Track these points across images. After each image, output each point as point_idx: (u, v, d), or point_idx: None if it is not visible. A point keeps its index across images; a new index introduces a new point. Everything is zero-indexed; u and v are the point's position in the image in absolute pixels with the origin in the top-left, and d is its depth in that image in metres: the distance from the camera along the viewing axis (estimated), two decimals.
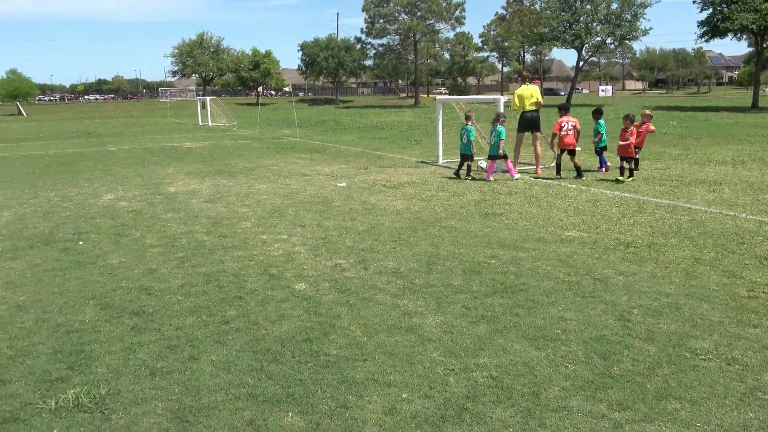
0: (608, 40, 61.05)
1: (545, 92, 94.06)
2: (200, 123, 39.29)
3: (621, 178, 11.59)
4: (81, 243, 7.81)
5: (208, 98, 41.71)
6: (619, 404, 3.62)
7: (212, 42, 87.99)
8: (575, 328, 4.73)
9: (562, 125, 12.37)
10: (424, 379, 3.99)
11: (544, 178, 12.46)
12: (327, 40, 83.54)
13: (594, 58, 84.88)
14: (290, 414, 3.61)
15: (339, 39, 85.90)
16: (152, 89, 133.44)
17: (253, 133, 28.81)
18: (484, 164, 13.38)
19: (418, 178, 12.95)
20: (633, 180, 11.67)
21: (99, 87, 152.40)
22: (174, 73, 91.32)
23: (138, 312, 5.31)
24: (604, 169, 13.20)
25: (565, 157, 12.59)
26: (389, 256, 6.84)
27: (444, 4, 71.57)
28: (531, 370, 4.07)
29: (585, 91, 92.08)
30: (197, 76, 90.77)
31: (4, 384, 4.04)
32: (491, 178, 12.34)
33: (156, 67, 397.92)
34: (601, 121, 13.67)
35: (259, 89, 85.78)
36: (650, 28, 68.19)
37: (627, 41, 61.72)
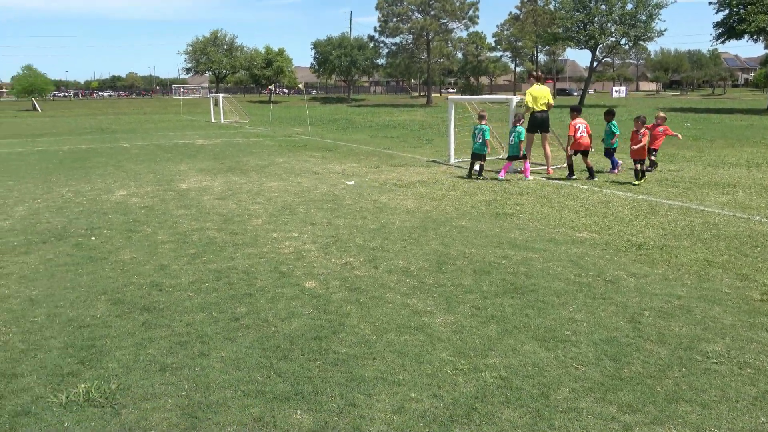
0: (623, 41, 60.67)
1: (558, 93, 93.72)
2: (213, 120, 39.44)
3: (636, 182, 11.49)
4: (93, 238, 7.87)
5: (220, 96, 41.82)
6: (629, 406, 3.60)
7: (226, 40, 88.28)
8: (585, 330, 4.71)
9: (577, 127, 12.30)
10: (432, 378, 3.99)
11: (555, 179, 12.40)
12: (340, 39, 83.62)
13: (608, 59, 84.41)
14: (299, 411, 3.62)
15: (352, 37, 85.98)
16: (166, 86, 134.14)
17: (265, 131, 28.89)
18: (476, 166, 13.34)
19: (430, 177, 12.94)
20: (644, 181, 11.59)
21: (113, 83, 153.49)
22: (187, 71, 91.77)
23: (149, 308, 5.34)
24: (616, 170, 13.13)
25: (577, 158, 12.53)
26: (399, 255, 6.84)
27: (458, 4, 71.39)
28: (540, 371, 4.05)
29: (590, 92, 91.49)
30: (210, 73, 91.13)
31: (16, 378, 4.07)
32: (503, 177, 12.32)
33: (170, 64, 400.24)
34: (614, 122, 13.60)
35: (272, 87, 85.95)
36: (665, 29, 67.61)
37: (642, 42, 61.29)
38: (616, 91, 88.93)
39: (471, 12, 73.01)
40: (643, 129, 11.73)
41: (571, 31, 60.04)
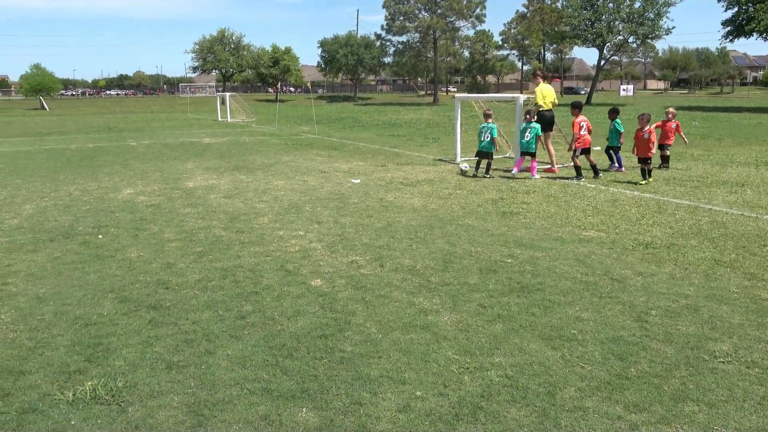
0: (630, 39, 60.43)
1: (565, 91, 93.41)
2: (219, 119, 39.52)
3: (643, 181, 11.42)
4: (100, 236, 7.90)
5: (227, 94, 41.90)
6: (635, 406, 3.59)
7: (233, 38, 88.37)
8: (592, 329, 4.69)
9: (582, 125, 12.26)
10: (438, 377, 3.98)
11: (561, 178, 12.36)
12: (347, 37, 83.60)
13: (615, 57, 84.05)
14: (304, 410, 3.62)
15: (359, 36, 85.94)
16: (173, 85, 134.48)
17: (272, 130, 28.93)
18: (465, 167, 13.37)
19: (436, 176, 12.92)
20: (652, 180, 11.51)
21: (120, 82, 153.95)
22: (194, 69, 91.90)
23: (155, 306, 5.36)
24: (623, 169, 13.09)
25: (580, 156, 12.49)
26: (405, 254, 6.83)
27: (465, 2, 71.24)
28: (546, 370, 4.04)
29: (583, 91, 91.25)
30: (217, 72, 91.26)
31: (23, 375, 4.09)
32: (516, 172, 12.37)
33: (177, 63, 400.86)
34: (618, 121, 13.58)
35: (278, 85, 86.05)
36: (673, 27, 67.08)
37: (649, 40, 61.02)
38: (624, 90, 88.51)
39: (478, 10, 72.86)
40: (648, 127, 11.65)
41: (579, 29, 59.86)
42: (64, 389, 3.88)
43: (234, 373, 4.08)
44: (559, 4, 73.89)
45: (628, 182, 11.63)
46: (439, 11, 71.37)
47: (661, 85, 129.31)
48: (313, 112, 40.64)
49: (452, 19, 73.08)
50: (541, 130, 13.26)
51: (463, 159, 14.99)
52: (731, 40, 49.18)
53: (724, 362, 4.12)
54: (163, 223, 8.66)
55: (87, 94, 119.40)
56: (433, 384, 3.89)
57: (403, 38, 76.18)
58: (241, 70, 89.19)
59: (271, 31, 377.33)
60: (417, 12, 72.53)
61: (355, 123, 33.53)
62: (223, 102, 41.11)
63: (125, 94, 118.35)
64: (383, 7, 73.95)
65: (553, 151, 13.31)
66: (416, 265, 6.39)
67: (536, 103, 13.36)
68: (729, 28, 48.06)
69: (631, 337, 4.54)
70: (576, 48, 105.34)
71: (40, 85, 75.58)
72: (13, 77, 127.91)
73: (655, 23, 56.79)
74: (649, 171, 11.58)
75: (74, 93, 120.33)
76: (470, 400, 3.69)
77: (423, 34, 73.27)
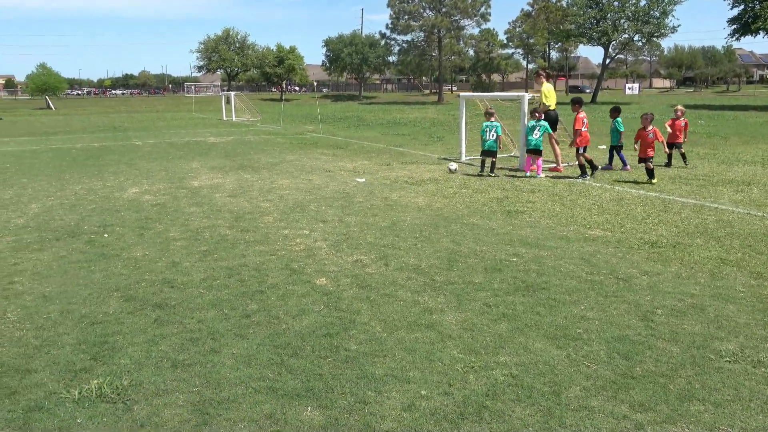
0: (636, 38, 60.24)
1: (570, 89, 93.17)
2: (224, 118, 39.57)
3: (654, 181, 11.33)
4: (106, 235, 7.92)
5: (232, 93, 41.94)
6: (641, 405, 3.58)
7: (237, 38, 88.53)
8: (597, 328, 4.68)
9: (585, 121, 12.24)
10: (443, 376, 3.98)
11: (567, 177, 12.33)
12: (351, 36, 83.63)
13: (621, 56, 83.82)
14: (309, 408, 3.63)
15: (363, 35, 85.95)
16: (178, 84, 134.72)
17: (277, 129, 28.95)
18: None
19: (441, 174, 12.91)
20: (657, 179, 11.46)
21: (126, 82, 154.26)
22: (199, 69, 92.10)
23: (161, 304, 5.37)
24: (629, 167, 13.08)
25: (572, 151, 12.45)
26: (410, 253, 6.83)
27: (469, 1, 71.11)
28: (552, 369, 4.03)
29: (588, 90, 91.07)
30: (222, 71, 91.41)
31: (29, 373, 4.11)
32: (541, 174, 12.37)
33: (182, 63, 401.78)
34: (619, 120, 13.56)
35: (283, 85, 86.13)
36: (679, 26, 66.68)
37: (655, 39, 60.81)
38: (629, 88, 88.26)
39: (483, 9, 72.72)
40: (652, 127, 11.57)
41: (584, 28, 59.70)
42: (70, 387, 3.89)
43: (239, 371, 4.09)
44: (564, 3, 73.67)
45: (633, 181, 11.59)
46: (443, 10, 71.28)
47: (667, 83, 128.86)
48: (318, 111, 40.66)
49: (457, 18, 72.96)
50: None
51: (468, 158, 14.98)
52: (737, 39, 48.95)
53: (730, 362, 4.10)
54: (169, 222, 8.68)
55: (92, 94, 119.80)
56: (438, 383, 3.89)
57: (408, 37, 76.17)
58: (246, 69, 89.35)
59: (275, 30, 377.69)
60: (422, 11, 72.46)
61: (359, 122, 33.53)
62: (228, 101, 41.16)
63: (130, 94, 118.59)
64: (388, 6, 73.91)
65: (558, 150, 13.29)
66: (421, 264, 6.39)
67: (543, 103, 13.35)
68: (735, 26, 47.82)
69: (637, 336, 4.53)
70: (581, 46, 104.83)
71: (46, 85, 75.89)
72: (20, 77, 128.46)
73: (661, 21, 56.58)
74: (652, 170, 11.48)
75: (80, 92, 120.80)
76: (475, 399, 3.68)
77: (427, 33, 73.19)
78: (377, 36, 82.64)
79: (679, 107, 14.03)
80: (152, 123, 36.86)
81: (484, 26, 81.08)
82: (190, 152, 18.54)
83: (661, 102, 54.88)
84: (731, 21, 48.03)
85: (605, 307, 5.12)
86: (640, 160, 11.58)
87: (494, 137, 12.55)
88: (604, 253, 6.68)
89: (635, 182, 11.42)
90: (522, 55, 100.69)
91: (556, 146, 13.30)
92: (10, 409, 3.66)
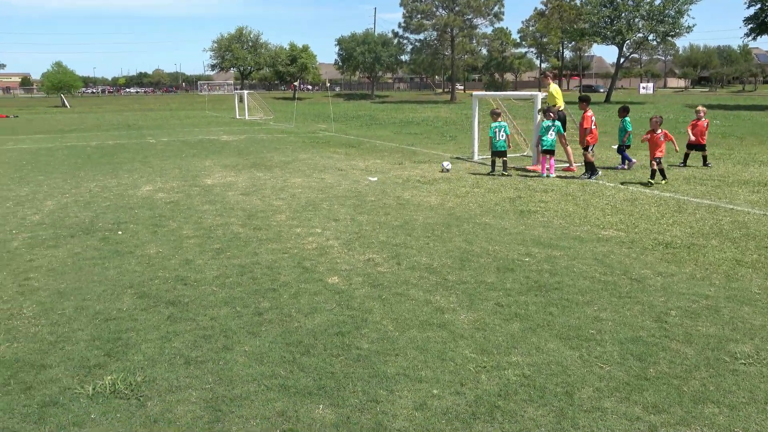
0: (650, 37, 59.77)
1: (584, 89, 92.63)
2: (237, 116, 39.72)
3: (664, 181, 11.22)
4: (120, 233, 7.97)
5: (245, 92, 42.11)
6: (654, 407, 3.56)
7: (250, 36, 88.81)
8: (610, 329, 4.66)
9: (593, 119, 12.16)
10: (455, 375, 3.97)
11: (579, 177, 12.25)
12: (364, 35, 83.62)
13: (635, 55, 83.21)
14: (321, 406, 3.63)
15: (376, 34, 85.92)
16: (191, 83, 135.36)
17: (289, 127, 29.02)
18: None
19: (453, 174, 12.89)
20: (662, 180, 11.26)
21: (140, 80, 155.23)
22: (213, 67, 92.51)
23: (174, 301, 5.40)
24: (626, 166, 13.04)
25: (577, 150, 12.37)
26: (422, 252, 6.82)
27: (482, 0, 70.91)
28: (564, 370, 4.02)
29: (602, 89, 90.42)
30: (235, 70, 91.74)
31: (44, 369, 4.15)
32: (553, 174, 12.29)
33: (196, 61, 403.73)
34: (627, 119, 13.49)
35: (296, 84, 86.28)
36: (694, 25, 65.72)
37: (670, 38, 60.29)
38: (644, 88, 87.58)
39: (496, 8, 72.46)
40: (661, 130, 11.35)
41: (598, 27, 59.26)
42: (84, 383, 3.93)
43: (251, 369, 4.11)
44: (578, 1, 73.20)
45: (647, 182, 11.50)
46: (456, 9, 71.09)
47: (682, 83, 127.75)
48: (331, 109, 40.71)
49: (470, 17, 72.75)
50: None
51: (480, 157, 14.94)
52: (754, 38, 48.47)
53: (745, 364, 4.07)
54: (182, 219, 8.72)
55: (107, 92, 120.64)
56: (450, 382, 3.89)
57: (421, 36, 76.02)
58: (259, 68, 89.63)
59: (288, 29, 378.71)
60: (434, 10, 72.30)
61: (372, 121, 33.53)
62: (241, 100, 41.30)
63: (144, 92, 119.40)
64: (401, 5, 73.81)
65: (570, 150, 13.24)
66: (433, 264, 6.38)
67: (553, 104, 13.29)
68: (751, 26, 47.33)
69: (651, 337, 4.50)
70: (595, 45, 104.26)
71: (61, 83, 76.52)
72: (35, 75, 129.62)
73: (676, 21, 56.06)
74: (661, 171, 11.31)
75: (94, 91, 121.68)
76: (487, 399, 3.67)
77: (440, 32, 73.03)
78: (390, 35, 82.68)
79: (701, 108, 13.89)
80: (166, 121, 37.07)
81: (497, 25, 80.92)
82: (203, 150, 18.63)
83: (675, 102, 54.45)
84: (747, 20, 47.54)
85: (618, 307, 5.09)
86: (654, 161, 11.43)
87: (504, 137, 12.58)
88: (618, 254, 6.65)
89: (646, 183, 11.31)
90: (535, 54, 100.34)
91: (567, 146, 13.25)
92: (26, 404, 3.69)
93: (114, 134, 26.46)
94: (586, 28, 62.10)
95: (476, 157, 15.14)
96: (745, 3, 47.09)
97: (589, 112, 12.28)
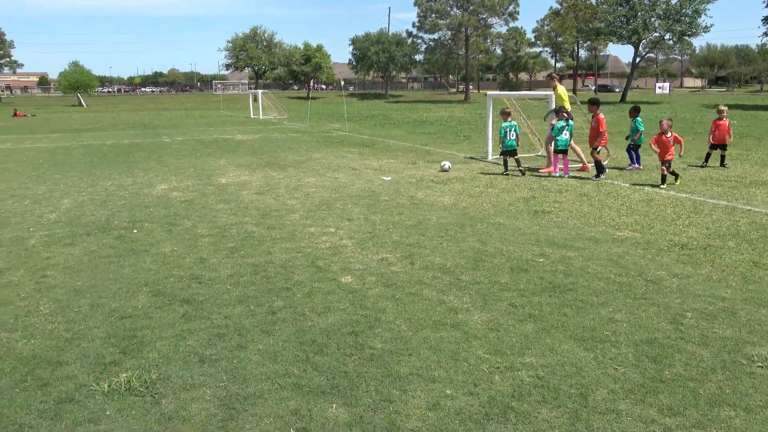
0: (667, 36, 59.28)
1: (599, 89, 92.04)
2: (251, 116, 39.89)
3: (676, 182, 11.06)
4: (135, 231, 8.03)
5: (259, 91, 42.29)
6: (669, 409, 3.53)
7: (265, 36, 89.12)
8: (626, 330, 4.62)
9: (606, 121, 12.11)
10: (468, 375, 3.96)
11: (591, 178, 12.18)
12: (378, 35, 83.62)
13: (651, 55, 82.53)
14: (334, 405, 3.64)
15: (390, 33, 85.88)
16: (206, 82, 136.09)
17: (303, 127, 29.09)
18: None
19: (467, 173, 12.86)
20: (677, 183, 11.09)
21: (155, 79, 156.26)
22: (227, 67, 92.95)
23: (188, 300, 5.43)
24: (637, 166, 12.95)
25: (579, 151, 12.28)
26: (436, 252, 6.81)
27: None
28: (579, 371, 3.99)
29: (617, 89, 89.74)
30: (250, 69, 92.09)
31: (61, 365, 4.19)
32: (568, 174, 12.23)
33: (210, 61, 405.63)
34: (639, 119, 13.41)
35: (311, 83, 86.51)
36: (711, 25, 64.74)
37: (686, 37, 59.76)
38: (659, 88, 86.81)
39: (511, 8, 72.21)
40: (671, 133, 11.05)
41: (614, 26, 58.91)
42: (100, 380, 3.96)
43: (265, 367, 4.12)
44: (593, 1, 72.78)
45: (651, 185, 11.39)
46: (471, 8, 70.91)
47: (698, 82, 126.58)
48: (344, 109, 40.75)
49: (484, 16, 72.57)
50: None
51: (494, 157, 14.89)
52: None
53: (762, 367, 4.02)
54: (197, 218, 8.77)
55: (122, 91, 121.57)
56: (464, 383, 3.88)
57: (435, 35, 75.96)
58: (273, 67, 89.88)
59: (302, 28, 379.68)
60: (449, 9, 72.21)
61: (385, 120, 33.54)
62: (255, 99, 41.48)
63: (160, 91, 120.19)
64: (415, 4, 73.79)
65: (579, 149, 13.20)
66: (447, 263, 6.37)
67: (562, 106, 13.23)
68: None
69: (666, 339, 4.46)
70: (610, 45, 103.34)
71: (78, 83, 77.19)
72: (53, 74, 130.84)
73: (693, 21, 55.52)
74: (672, 173, 11.07)
75: (110, 90, 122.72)
76: (501, 400, 3.66)
77: (455, 32, 72.88)
78: (404, 34, 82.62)
79: (723, 107, 13.74)
80: (181, 120, 37.30)
81: (512, 24, 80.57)
82: (217, 149, 18.72)
83: (692, 101, 53.97)
84: (766, 19, 47.04)
85: (634, 309, 5.05)
86: (664, 163, 11.20)
87: (514, 137, 12.62)
88: (633, 255, 6.60)
89: (656, 184, 11.21)
90: (550, 53, 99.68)
91: (576, 146, 13.19)
92: (42, 400, 3.73)
93: (130, 133, 26.66)
94: (602, 28, 61.76)
95: (490, 157, 15.10)
96: (764, 2, 46.65)
97: (602, 115, 12.25)
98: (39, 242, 7.51)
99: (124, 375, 3.99)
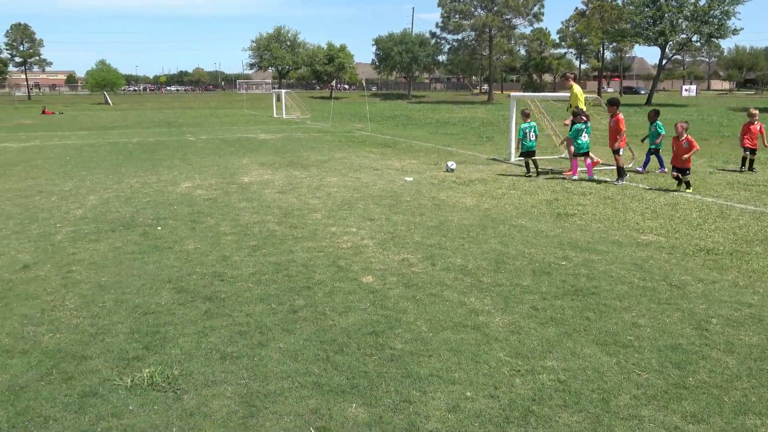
0: (694, 38, 58.44)
1: (624, 91, 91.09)
2: (275, 115, 40.11)
3: (689, 190, 10.76)
4: (159, 228, 8.12)
5: (283, 91, 42.51)
6: (693, 416, 3.48)
7: (289, 36, 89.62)
8: (649, 335, 4.57)
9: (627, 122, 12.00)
10: (489, 378, 3.94)
11: (605, 181, 12.04)
12: (401, 35, 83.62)
13: (678, 56, 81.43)
14: (354, 405, 3.64)
15: (414, 34, 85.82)
16: (230, 81, 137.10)
17: (326, 126, 29.18)
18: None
19: (489, 175, 12.80)
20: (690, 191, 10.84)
21: (180, 78, 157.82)
22: (251, 66, 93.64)
23: (211, 297, 5.48)
24: (665, 170, 12.80)
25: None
26: (457, 253, 6.79)
27: (521, 0, 70.25)
28: (600, 376, 3.95)
29: (643, 91, 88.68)
30: (273, 69, 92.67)
31: (85, 360, 4.25)
32: (593, 176, 12.15)
33: (235, 60, 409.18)
34: (659, 122, 13.24)
35: (333, 83, 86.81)
36: (741, 28, 63.64)
37: (714, 39, 58.86)
38: (686, 90, 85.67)
39: (536, 8, 71.72)
40: (686, 135, 10.63)
41: (640, 28, 58.21)
42: (123, 375, 4.01)
43: (286, 366, 4.14)
44: (619, 2, 72.04)
45: (666, 189, 11.24)
46: (495, 9, 70.58)
47: (726, 85, 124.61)
48: (367, 109, 40.81)
49: (509, 17, 72.18)
50: None
51: (517, 158, 14.80)
52: None
53: None
54: (220, 216, 8.84)
55: (148, 90, 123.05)
56: (484, 385, 3.86)
57: (458, 36, 75.70)
58: (297, 67, 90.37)
59: (326, 28, 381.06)
60: (473, 10, 71.93)
61: (408, 121, 33.52)
62: (278, 99, 41.71)
63: (185, 90, 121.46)
64: (439, 5, 73.65)
65: (573, 150, 13.12)
66: (468, 265, 6.34)
67: (575, 105, 13.11)
68: None
69: (690, 345, 4.40)
70: (636, 46, 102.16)
71: (105, 81, 78.40)
72: (80, 73, 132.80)
73: (722, 23, 54.60)
74: (677, 177, 10.79)
75: (136, 88, 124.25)
76: (521, 404, 3.64)
77: (478, 32, 72.59)
78: (427, 35, 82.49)
79: (754, 110, 13.46)
80: (205, 119, 37.63)
81: (536, 25, 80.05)
82: (241, 148, 18.86)
83: (719, 104, 53.15)
84: None
85: (658, 314, 4.99)
86: (674, 169, 10.84)
87: (533, 138, 12.61)
88: (658, 259, 6.51)
89: (668, 189, 11.04)
90: (575, 55, 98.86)
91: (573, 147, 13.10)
92: (67, 394, 3.79)
93: (155, 131, 26.96)
94: (628, 29, 61.08)
95: (513, 159, 15.02)
96: None
97: (621, 115, 12.12)
98: (65, 238, 7.63)
99: (147, 370, 4.04)
